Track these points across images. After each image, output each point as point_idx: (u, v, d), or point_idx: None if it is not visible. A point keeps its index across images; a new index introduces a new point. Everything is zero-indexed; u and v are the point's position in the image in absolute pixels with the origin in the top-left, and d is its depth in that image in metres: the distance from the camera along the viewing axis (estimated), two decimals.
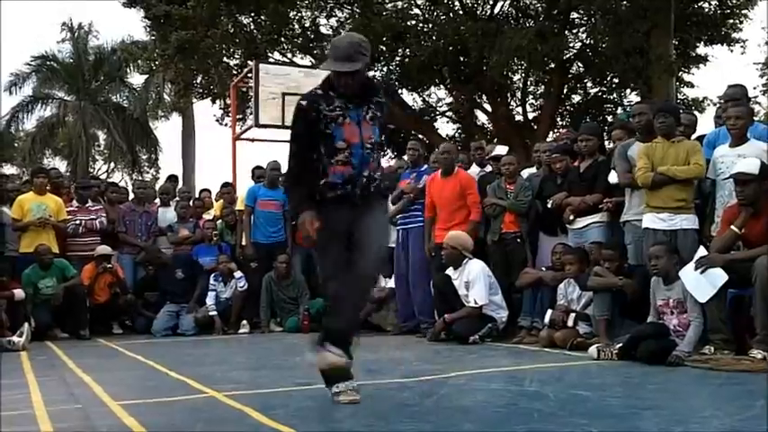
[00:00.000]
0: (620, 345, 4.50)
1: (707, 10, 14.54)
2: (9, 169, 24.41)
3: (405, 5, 14.80)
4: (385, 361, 4.98)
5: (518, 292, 6.03)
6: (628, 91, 15.98)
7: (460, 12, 14.79)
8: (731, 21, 14.74)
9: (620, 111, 15.26)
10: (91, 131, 25.43)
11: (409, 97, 16.97)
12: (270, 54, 14.75)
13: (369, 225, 3.25)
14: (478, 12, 15.13)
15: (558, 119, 16.45)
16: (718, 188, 4.97)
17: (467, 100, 16.51)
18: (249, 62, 12.44)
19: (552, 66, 14.72)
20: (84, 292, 7.41)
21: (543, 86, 16.57)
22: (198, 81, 15.99)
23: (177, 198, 8.91)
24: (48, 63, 24.76)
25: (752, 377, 3.72)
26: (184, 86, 15.81)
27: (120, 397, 3.49)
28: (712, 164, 4.98)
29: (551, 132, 14.56)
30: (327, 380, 3.21)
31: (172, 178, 10.50)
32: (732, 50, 15.06)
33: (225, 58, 15.24)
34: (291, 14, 14.75)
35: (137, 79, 25.21)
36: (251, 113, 11.85)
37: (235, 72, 14.70)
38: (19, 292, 6.74)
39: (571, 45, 14.77)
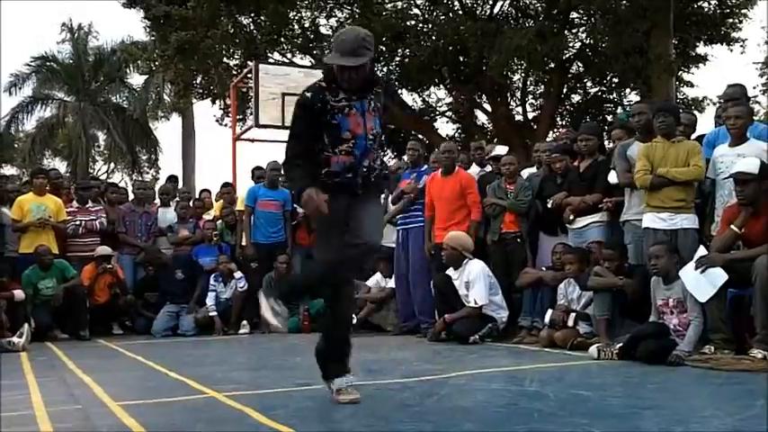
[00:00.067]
0: (621, 344, 4.50)
1: (706, 9, 14.54)
2: (9, 170, 24.45)
3: (404, 6, 14.80)
4: (385, 361, 4.98)
5: (518, 291, 6.03)
6: (627, 91, 15.99)
7: (460, 12, 14.79)
8: (731, 20, 14.74)
9: (619, 110, 15.27)
10: (91, 132, 25.44)
11: (409, 97, 17.00)
12: (270, 54, 14.75)
13: (364, 216, 3.26)
14: (478, 12, 15.13)
15: (558, 119, 16.45)
16: (717, 188, 4.97)
17: (467, 100, 16.51)
18: (249, 62, 12.44)
19: (552, 65, 14.72)
20: (84, 292, 7.41)
21: (543, 86, 16.57)
22: (198, 81, 15.99)
23: (177, 198, 8.91)
24: (47, 64, 24.77)
25: (752, 377, 3.72)
26: (184, 87, 15.81)
27: (120, 397, 3.49)
28: (712, 163, 4.98)
29: (551, 132, 14.56)
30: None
31: (172, 179, 10.50)
32: (732, 50, 15.07)
33: (225, 59, 15.24)
34: (291, 15, 14.75)
35: (137, 80, 25.27)
36: (251, 114, 11.86)
37: (235, 72, 14.70)
38: (19, 293, 6.74)
39: (571, 45, 14.77)
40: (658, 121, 5.00)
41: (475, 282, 5.83)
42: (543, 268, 5.96)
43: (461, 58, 14.64)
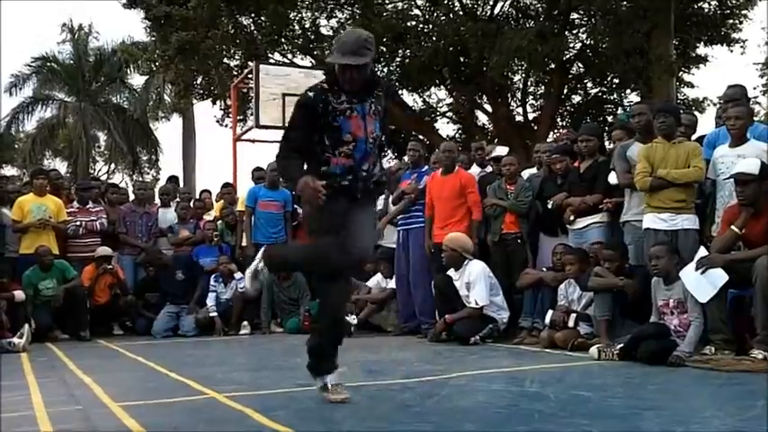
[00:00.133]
0: (621, 345, 4.50)
1: (707, 10, 14.54)
2: (9, 171, 24.45)
3: (405, 6, 14.81)
4: (386, 362, 4.98)
5: (519, 292, 6.03)
6: (628, 91, 16.00)
7: (460, 12, 14.80)
8: (731, 21, 14.74)
9: (620, 111, 15.27)
10: (91, 132, 25.45)
11: (410, 98, 17.00)
12: (270, 55, 14.76)
13: (361, 223, 3.27)
14: (478, 12, 15.14)
15: (559, 119, 16.45)
16: (718, 188, 4.97)
17: (467, 101, 16.52)
18: (249, 63, 12.45)
19: (552, 66, 14.72)
20: (85, 293, 7.40)
21: (543, 87, 16.57)
22: (198, 82, 16.00)
23: (177, 199, 8.91)
24: (48, 64, 24.79)
25: (752, 377, 3.72)
26: (185, 87, 15.82)
27: (120, 398, 3.49)
28: (712, 164, 4.98)
29: (552, 133, 14.55)
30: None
31: (172, 179, 10.50)
32: (732, 51, 15.07)
33: (225, 59, 15.25)
34: (292, 15, 14.76)
35: (137, 80, 25.29)
36: (251, 114, 11.87)
37: (235, 73, 14.71)
38: (19, 294, 6.74)
39: (571, 45, 14.78)
40: (659, 122, 5.00)
41: (476, 282, 5.83)
42: (544, 269, 5.96)
43: (462, 59, 14.64)
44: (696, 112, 12.64)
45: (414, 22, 14.62)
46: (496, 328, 5.88)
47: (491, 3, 15.27)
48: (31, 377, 4.47)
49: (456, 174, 6.47)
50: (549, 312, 5.48)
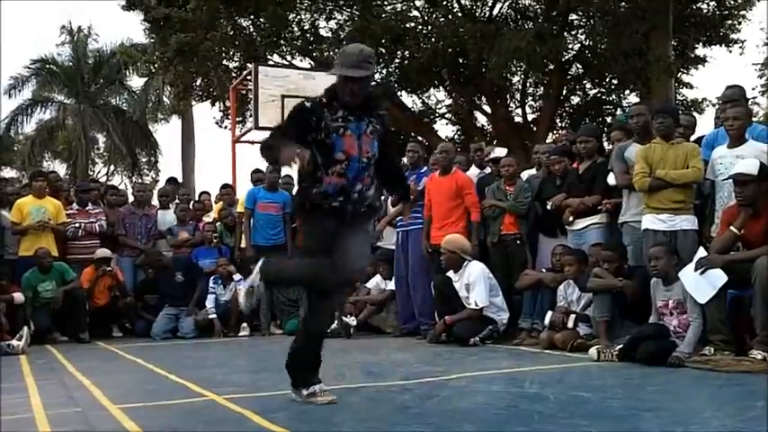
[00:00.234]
0: (621, 346, 4.50)
1: (705, 11, 14.55)
2: (8, 173, 24.43)
3: (404, 8, 14.82)
4: (385, 363, 4.98)
5: (518, 293, 6.03)
6: (627, 92, 16.00)
7: (459, 14, 14.81)
8: (729, 22, 14.75)
9: (619, 112, 15.28)
10: (90, 134, 25.44)
11: (408, 99, 17.01)
12: (269, 56, 14.76)
13: (351, 243, 3.29)
14: (477, 14, 15.14)
15: (558, 120, 16.46)
16: (717, 189, 4.96)
17: (466, 102, 16.52)
18: (248, 65, 12.44)
19: (551, 67, 14.72)
20: (84, 295, 7.40)
21: (542, 88, 16.58)
22: (197, 84, 15.99)
23: (177, 201, 8.91)
24: (47, 66, 24.78)
25: (752, 378, 3.72)
26: (184, 89, 15.82)
27: (119, 400, 3.48)
28: (711, 165, 4.98)
29: (551, 134, 14.57)
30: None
31: (172, 181, 10.50)
32: (731, 51, 15.08)
33: (224, 61, 15.24)
34: (290, 17, 14.77)
35: (136, 82, 25.27)
36: (250, 116, 11.86)
37: (234, 75, 14.70)
38: (18, 296, 6.74)
39: (570, 46, 14.78)
40: (657, 123, 5.00)
41: (475, 284, 5.83)
42: (543, 270, 5.96)
43: (461, 60, 14.65)
44: (695, 113, 12.65)
45: (412, 24, 14.62)
46: (496, 329, 5.87)
47: (490, 4, 15.28)
48: (30, 379, 4.46)
49: (453, 175, 6.48)
50: (549, 313, 5.48)
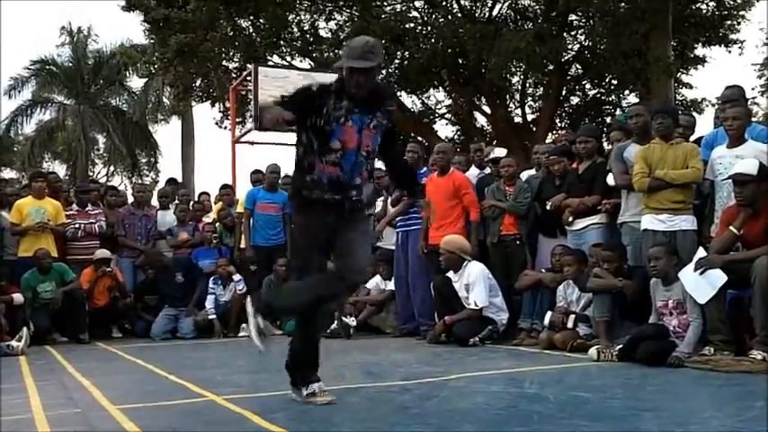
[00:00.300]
0: (620, 346, 4.50)
1: (705, 11, 14.56)
2: (8, 173, 24.43)
3: (403, 8, 14.81)
4: (385, 363, 4.98)
5: (518, 293, 6.03)
6: (626, 92, 16.00)
7: (459, 14, 14.81)
8: (729, 22, 14.76)
9: (618, 112, 15.28)
10: (90, 135, 25.44)
11: (408, 100, 17.00)
12: (269, 57, 14.76)
13: (354, 244, 3.26)
14: (477, 14, 15.14)
15: (557, 121, 16.45)
16: (716, 189, 4.96)
17: (466, 102, 16.52)
18: (248, 65, 12.43)
19: (551, 68, 14.72)
20: (84, 296, 7.40)
21: (542, 88, 16.58)
22: (197, 84, 16.00)
23: (176, 201, 8.92)
24: (47, 67, 24.78)
25: (752, 378, 3.72)
26: (184, 90, 15.82)
27: (119, 401, 3.48)
28: (710, 165, 4.98)
29: (550, 134, 14.57)
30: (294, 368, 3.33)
31: (172, 182, 10.50)
32: (730, 51, 15.08)
33: (224, 62, 15.24)
34: (290, 18, 14.77)
35: (136, 83, 25.28)
36: (250, 116, 11.87)
37: (234, 75, 14.70)
38: (18, 297, 6.74)
39: (570, 47, 14.78)
40: (656, 123, 5.00)
41: (475, 284, 5.83)
42: (543, 270, 5.96)
43: (460, 61, 14.64)
44: (694, 113, 12.65)
45: (412, 24, 14.62)
46: (496, 329, 5.87)
47: (489, 4, 15.28)
48: (29, 380, 4.46)
49: (450, 175, 6.48)
50: (548, 313, 5.48)
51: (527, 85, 16.65)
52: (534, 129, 15.74)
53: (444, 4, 14.75)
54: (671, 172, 4.83)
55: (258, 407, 3.19)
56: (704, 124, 13.27)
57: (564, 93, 16.19)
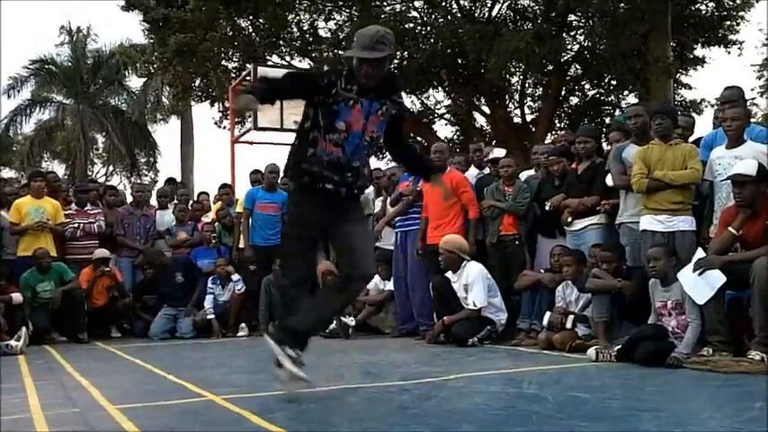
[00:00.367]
0: (619, 347, 4.50)
1: (704, 12, 14.57)
2: (7, 173, 24.43)
3: (403, 8, 14.82)
4: (384, 363, 4.97)
5: (517, 294, 6.03)
6: (626, 93, 16.02)
7: (458, 14, 14.81)
8: (728, 23, 14.77)
9: (617, 113, 15.29)
10: (89, 135, 25.45)
11: (408, 100, 17.00)
12: (268, 57, 14.77)
13: (357, 234, 3.25)
14: (476, 14, 15.15)
15: (556, 121, 16.47)
16: (715, 190, 4.97)
17: (465, 102, 16.53)
18: (247, 65, 12.46)
19: (550, 68, 14.73)
20: (83, 295, 7.40)
21: (541, 89, 16.59)
22: (196, 84, 16.01)
23: (175, 201, 8.91)
24: (46, 66, 24.79)
25: (750, 379, 3.72)
26: (183, 89, 15.82)
27: (117, 400, 3.48)
28: (709, 165, 4.98)
29: (549, 134, 14.58)
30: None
31: (171, 182, 10.50)
32: (729, 52, 15.11)
33: (223, 62, 15.25)
34: (290, 17, 14.77)
35: (135, 82, 25.31)
36: (249, 116, 11.86)
37: (233, 75, 14.71)
38: (17, 296, 6.73)
39: (569, 47, 14.79)
40: (655, 124, 5.00)
41: (474, 284, 5.83)
42: (542, 270, 5.96)
43: (460, 61, 14.65)
44: (693, 114, 12.68)
45: (411, 25, 14.62)
46: (494, 329, 5.87)
47: (489, 5, 15.29)
48: (28, 380, 4.46)
49: (447, 174, 6.45)
50: (547, 314, 5.48)
51: (526, 85, 16.66)
52: (533, 129, 15.75)
53: (444, 4, 14.75)
54: (670, 173, 4.83)
55: (257, 407, 3.18)
56: (703, 125, 13.31)
57: (563, 93, 16.21)
